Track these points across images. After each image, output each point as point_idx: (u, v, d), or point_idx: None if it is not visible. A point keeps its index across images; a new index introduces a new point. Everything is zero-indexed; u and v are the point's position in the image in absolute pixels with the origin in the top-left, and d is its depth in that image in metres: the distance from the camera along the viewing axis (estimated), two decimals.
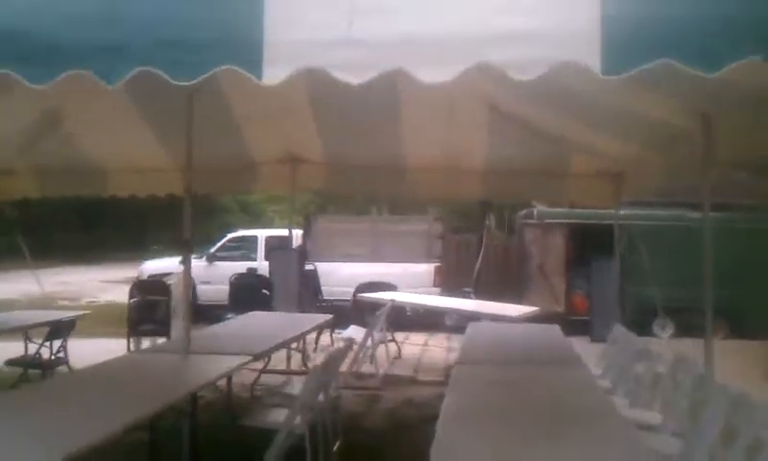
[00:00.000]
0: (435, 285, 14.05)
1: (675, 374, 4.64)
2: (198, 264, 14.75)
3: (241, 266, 14.40)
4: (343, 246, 14.43)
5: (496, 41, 2.02)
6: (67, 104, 5.51)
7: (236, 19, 2.16)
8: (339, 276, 13.78)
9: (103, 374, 4.73)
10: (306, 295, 10.85)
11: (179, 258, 17.16)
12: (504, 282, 14.14)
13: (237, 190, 9.97)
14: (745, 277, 11.78)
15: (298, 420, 4.46)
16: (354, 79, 2.02)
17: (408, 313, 11.73)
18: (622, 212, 13.72)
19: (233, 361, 5.07)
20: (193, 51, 2.19)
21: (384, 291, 11.54)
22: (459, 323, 12.83)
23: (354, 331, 8.49)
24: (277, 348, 6.08)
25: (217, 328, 6.85)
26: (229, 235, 15.53)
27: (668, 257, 12.38)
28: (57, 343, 7.20)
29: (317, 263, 13.63)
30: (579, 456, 3.00)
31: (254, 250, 14.98)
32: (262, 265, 14.42)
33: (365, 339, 7.99)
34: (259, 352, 5.45)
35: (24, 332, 7.39)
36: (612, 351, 6.43)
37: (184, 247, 5.70)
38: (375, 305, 9.13)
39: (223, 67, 2.14)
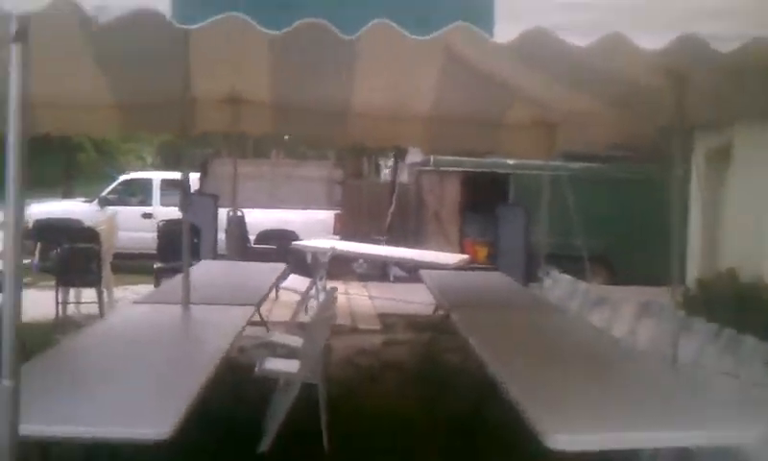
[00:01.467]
0: (335, 233, 14.18)
1: None
2: (89, 208, 14.20)
3: (135, 211, 14.00)
4: (242, 191, 14.19)
5: None
6: None
7: None
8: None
9: (125, 329, 4.66)
10: (234, 242, 10.71)
11: (73, 201, 16.47)
12: (406, 230, 14.57)
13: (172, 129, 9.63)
14: (622, 225, 12.85)
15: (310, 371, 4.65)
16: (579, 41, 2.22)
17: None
18: (511, 162, 14.61)
19: (239, 311, 5.12)
20: None
21: (285, 240, 11.63)
22: (367, 271, 13.23)
23: (294, 281, 8.54)
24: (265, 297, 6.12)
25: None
26: (121, 177, 14.93)
27: (553, 207, 13.18)
28: None
29: None
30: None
31: (149, 193, 14.49)
32: (158, 210, 14.07)
33: (308, 288, 8.11)
34: (258, 302, 5.51)
35: None
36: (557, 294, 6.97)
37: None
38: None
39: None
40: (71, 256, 8.44)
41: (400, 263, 12.48)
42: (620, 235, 13.04)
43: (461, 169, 14.55)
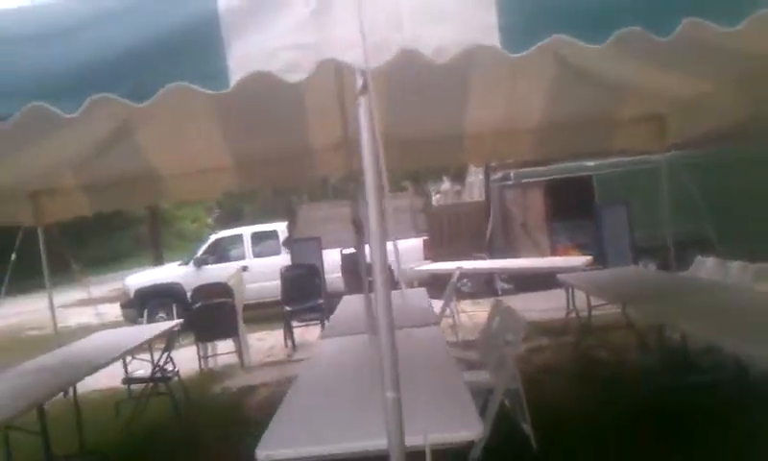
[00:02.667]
0: (425, 258, 14.40)
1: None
2: (186, 270, 14.61)
3: (231, 266, 14.34)
4: (329, 232, 14.50)
5: None
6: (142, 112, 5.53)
7: None
8: (333, 261, 13.89)
9: (332, 359, 4.87)
10: (352, 278, 10.97)
11: (166, 265, 16.98)
12: (498, 244, 14.73)
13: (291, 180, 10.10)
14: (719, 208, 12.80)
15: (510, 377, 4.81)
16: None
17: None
18: (591, 164, 14.69)
19: (422, 331, 5.35)
20: None
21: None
22: (472, 289, 13.38)
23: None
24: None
25: (344, 311, 6.99)
26: (213, 237, 15.34)
27: (646, 200, 13.21)
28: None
29: None
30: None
31: (241, 248, 14.87)
32: (252, 263, 14.43)
33: (443, 309, 8.28)
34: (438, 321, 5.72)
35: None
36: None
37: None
38: None
39: None
40: (208, 312, 8.75)
41: (507, 276, 12.62)
42: (719, 218, 12.96)
43: (543, 178, 14.67)
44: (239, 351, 9.20)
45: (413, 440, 2.87)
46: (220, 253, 14.92)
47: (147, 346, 7.22)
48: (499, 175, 15.49)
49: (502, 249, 14.69)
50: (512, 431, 4.95)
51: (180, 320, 7.91)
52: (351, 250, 11.52)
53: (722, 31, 2.42)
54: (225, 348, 9.54)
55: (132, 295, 14.28)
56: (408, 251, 14.22)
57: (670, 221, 8.70)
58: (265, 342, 10.79)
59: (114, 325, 10.63)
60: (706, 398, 5.41)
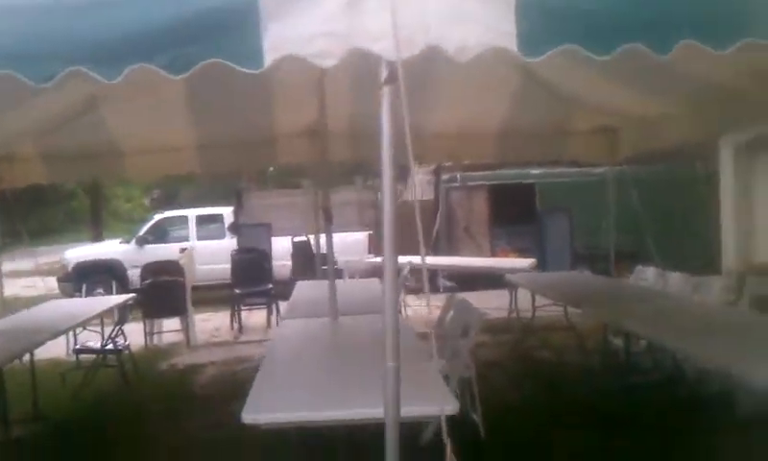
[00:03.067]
0: (370, 252, 14.59)
1: None
2: (128, 248, 14.46)
3: (173, 247, 14.25)
4: (277, 220, 14.55)
5: None
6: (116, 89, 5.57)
7: None
8: (280, 249, 13.96)
9: (307, 344, 4.99)
10: (302, 266, 11.07)
11: (106, 241, 16.70)
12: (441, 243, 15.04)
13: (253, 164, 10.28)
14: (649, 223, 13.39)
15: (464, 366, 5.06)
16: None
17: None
18: (535, 172, 15.15)
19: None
20: None
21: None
22: (415, 284, 13.59)
23: None
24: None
25: (300, 296, 7.09)
26: (157, 217, 15.20)
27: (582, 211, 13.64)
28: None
29: None
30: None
31: (185, 230, 14.78)
32: (195, 245, 14.36)
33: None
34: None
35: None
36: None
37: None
38: None
39: None
40: (159, 290, 8.75)
41: (448, 274, 12.92)
42: (648, 232, 13.53)
43: (488, 182, 15.04)
44: (186, 330, 9.23)
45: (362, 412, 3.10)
46: (163, 233, 14.79)
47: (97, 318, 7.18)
48: (446, 176, 15.80)
49: (445, 248, 15.01)
50: (462, 419, 5.14)
51: (133, 294, 7.90)
52: (303, 237, 11.66)
53: (714, 54, 2.67)
54: (169, 326, 9.54)
55: (69, 269, 14.03)
56: (353, 244, 14.39)
57: (610, 232, 9.14)
58: (209, 323, 10.81)
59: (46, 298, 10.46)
60: (646, 396, 5.75)
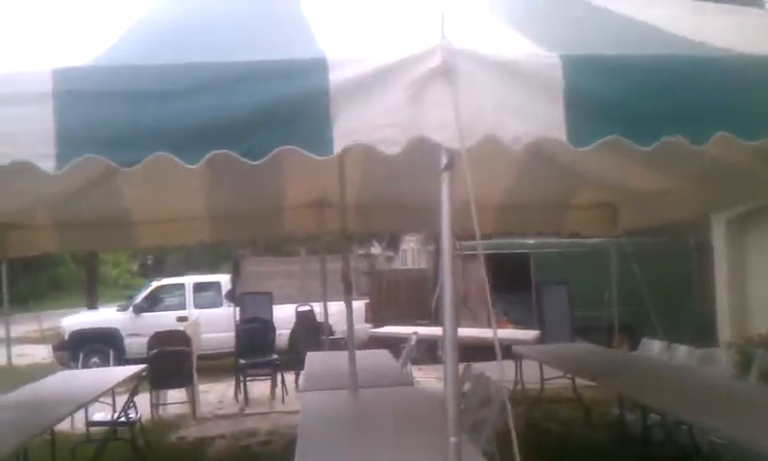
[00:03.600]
0: (367, 321, 14.65)
1: None
2: (124, 316, 14.43)
3: (171, 315, 14.24)
4: (273, 287, 14.58)
5: None
6: None
7: None
8: (279, 318, 13.95)
9: (332, 419, 5.04)
10: (307, 335, 11.11)
11: (100, 309, 16.63)
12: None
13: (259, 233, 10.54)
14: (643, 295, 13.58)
15: None
16: None
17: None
18: (530, 242, 15.37)
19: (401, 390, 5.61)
20: None
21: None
22: (417, 355, 13.63)
23: None
24: None
25: (314, 367, 7.12)
26: (154, 284, 15.21)
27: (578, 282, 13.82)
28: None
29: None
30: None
31: (183, 298, 14.78)
32: (192, 313, 14.36)
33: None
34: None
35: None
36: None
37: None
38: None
39: None
40: (166, 359, 8.75)
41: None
42: (642, 304, 13.70)
43: (483, 252, 15.18)
44: (192, 401, 9.19)
45: None
46: (159, 300, 14.79)
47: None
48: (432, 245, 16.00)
49: (437, 317, 15.07)
50: None
51: (145, 365, 7.90)
52: (306, 307, 11.72)
53: (744, 145, 2.88)
54: (173, 397, 9.51)
55: (66, 337, 13.96)
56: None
57: (609, 303, 9.31)
58: (209, 394, 10.75)
59: (42, 367, 10.41)
60: None
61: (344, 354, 8.56)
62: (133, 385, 7.30)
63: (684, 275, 14.17)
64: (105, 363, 12.26)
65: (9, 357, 7.84)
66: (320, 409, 5.25)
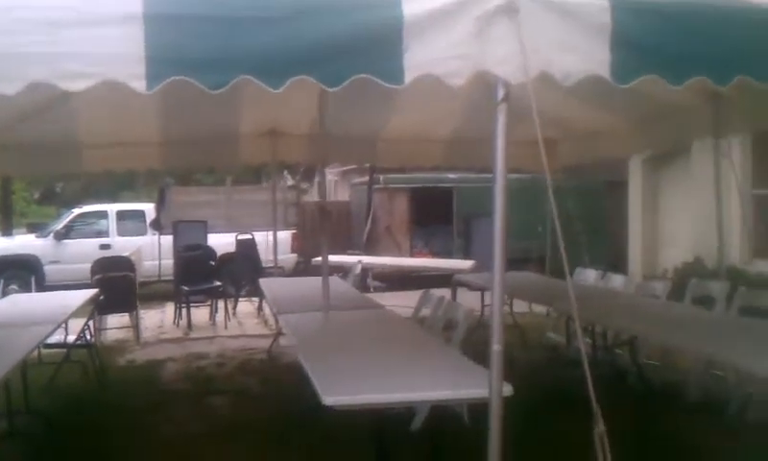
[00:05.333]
0: (292, 252, 14.82)
1: None
2: (44, 243, 14.05)
3: (93, 243, 13.99)
4: (198, 217, 14.48)
5: None
6: None
7: None
8: None
9: (332, 335, 5.24)
10: (246, 265, 11.17)
11: (20, 236, 15.98)
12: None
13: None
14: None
15: None
16: None
17: None
18: (453, 176, 15.83)
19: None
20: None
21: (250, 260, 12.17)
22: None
23: None
24: None
25: (274, 292, 7.27)
26: (76, 211, 14.78)
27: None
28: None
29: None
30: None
31: (105, 225, 14.48)
32: (115, 241, 14.14)
33: None
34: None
35: None
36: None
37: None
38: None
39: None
40: (111, 285, 8.69)
41: (378, 274, 13.35)
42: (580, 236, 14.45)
43: (408, 185, 15.59)
44: (135, 326, 9.19)
45: (443, 394, 3.46)
46: (80, 228, 14.43)
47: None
48: (358, 179, 16.25)
49: (367, 247, 15.43)
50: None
51: (97, 289, 7.82)
52: (248, 235, 11.76)
53: (759, 86, 3.22)
54: (112, 323, 9.49)
55: None
56: (279, 243, 14.49)
57: (531, 236, 9.85)
58: (144, 320, 10.72)
59: None
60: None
61: (299, 280, 8.84)
62: (91, 309, 7.24)
63: (596, 210, 14.95)
64: (24, 289, 11.97)
65: None
66: (306, 328, 5.41)
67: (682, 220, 11.67)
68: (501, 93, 3.02)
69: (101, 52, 2.63)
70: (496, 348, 3.10)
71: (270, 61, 2.74)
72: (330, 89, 2.80)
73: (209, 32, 2.69)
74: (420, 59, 2.87)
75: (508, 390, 3.49)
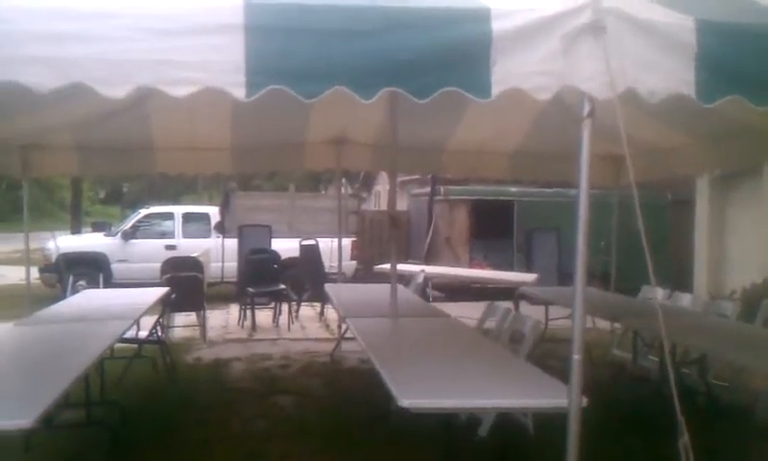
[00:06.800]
0: (352, 259, 14.95)
1: None
2: (112, 242, 14.47)
3: (159, 244, 14.35)
4: (261, 221, 14.74)
5: None
6: None
7: None
8: None
9: (396, 339, 5.34)
10: (310, 269, 11.38)
11: (88, 235, 16.54)
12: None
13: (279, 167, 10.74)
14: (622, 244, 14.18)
15: None
16: None
17: None
18: (514, 190, 15.78)
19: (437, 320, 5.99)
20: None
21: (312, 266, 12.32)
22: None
23: None
24: None
25: (342, 298, 7.40)
26: (143, 212, 15.22)
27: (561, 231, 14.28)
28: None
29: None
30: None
31: (171, 227, 14.85)
32: (180, 243, 14.48)
33: None
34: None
35: None
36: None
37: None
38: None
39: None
40: (180, 285, 8.93)
41: (438, 284, 13.42)
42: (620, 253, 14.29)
43: (469, 197, 15.62)
44: (202, 326, 9.44)
45: (520, 402, 3.50)
46: (147, 228, 14.84)
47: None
48: (428, 189, 16.34)
49: (427, 257, 15.51)
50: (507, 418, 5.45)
51: (167, 288, 8.05)
52: (312, 241, 11.97)
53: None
54: (180, 322, 9.76)
55: (53, 259, 13.96)
56: (335, 249, 14.67)
57: (604, 252, 9.75)
58: (210, 320, 10.97)
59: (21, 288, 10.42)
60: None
61: (363, 287, 8.97)
62: (162, 307, 7.48)
63: (659, 227, 14.72)
64: (92, 286, 12.35)
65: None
66: (377, 333, 5.46)
67: (750, 241, 11.45)
68: (587, 109, 3.07)
69: (203, 60, 2.79)
70: (576, 357, 3.15)
71: (362, 73, 2.85)
72: (419, 101, 2.89)
73: (305, 44, 2.82)
74: (507, 73, 2.95)
75: (583, 401, 3.57)
